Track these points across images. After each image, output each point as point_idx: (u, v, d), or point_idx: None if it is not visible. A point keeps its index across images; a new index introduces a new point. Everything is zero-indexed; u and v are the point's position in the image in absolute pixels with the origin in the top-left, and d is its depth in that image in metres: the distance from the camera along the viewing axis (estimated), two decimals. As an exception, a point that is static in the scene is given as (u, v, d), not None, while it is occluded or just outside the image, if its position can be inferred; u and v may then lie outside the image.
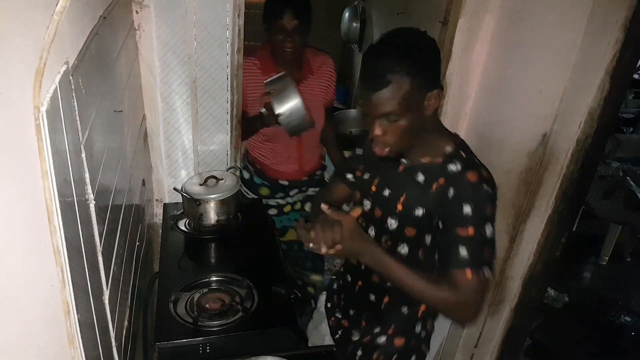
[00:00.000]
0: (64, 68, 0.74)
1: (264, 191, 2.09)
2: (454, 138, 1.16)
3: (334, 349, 1.32)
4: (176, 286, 1.47)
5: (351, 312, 1.37)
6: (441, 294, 1.05)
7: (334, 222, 1.06)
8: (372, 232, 1.23)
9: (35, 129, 0.62)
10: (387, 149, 1.09)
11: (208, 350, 1.30)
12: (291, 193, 2.13)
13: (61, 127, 0.71)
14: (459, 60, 1.74)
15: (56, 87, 0.68)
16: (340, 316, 1.42)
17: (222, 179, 1.79)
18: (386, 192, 1.19)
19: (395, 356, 1.28)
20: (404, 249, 1.17)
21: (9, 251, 0.54)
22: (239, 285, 1.50)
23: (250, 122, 1.93)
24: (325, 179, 2.20)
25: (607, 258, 3.38)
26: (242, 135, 1.97)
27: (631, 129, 4.32)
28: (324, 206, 1.10)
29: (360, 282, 1.31)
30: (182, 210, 1.84)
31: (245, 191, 2.11)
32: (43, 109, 0.62)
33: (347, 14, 3.50)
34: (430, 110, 1.06)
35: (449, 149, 1.11)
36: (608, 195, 3.05)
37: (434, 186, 1.09)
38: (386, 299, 1.25)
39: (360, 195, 1.28)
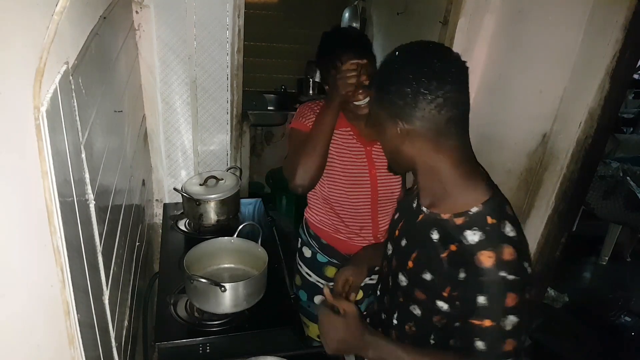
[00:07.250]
0: (64, 68, 0.74)
1: (331, 272, 1.62)
2: (488, 194, 0.90)
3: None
4: (176, 286, 1.47)
5: None
6: None
7: (334, 313, 0.96)
8: (390, 282, 1.07)
9: (35, 129, 0.61)
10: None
11: (208, 350, 1.30)
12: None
13: (61, 127, 0.70)
14: (459, 60, 1.74)
15: (56, 87, 0.68)
16: None
17: (222, 179, 1.80)
18: (403, 242, 1.02)
19: None
20: (416, 311, 1.00)
21: (9, 251, 0.54)
22: (239, 285, 1.50)
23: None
24: None
25: (607, 258, 3.38)
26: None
27: (631, 129, 4.34)
28: (326, 290, 1.01)
29: None
30: (182, 210, 1.84)
31: (306, 273, 1.68)
32: (43, 109, 0.62)
33: (347, 14, 3.50)
34: (400, 142, 0.88)
35: (474, 208, 0.88)
36: (608, 195, 3.05)
37: (446, 253, 0.90)
38: None
39: (388, 236, 1.13)
